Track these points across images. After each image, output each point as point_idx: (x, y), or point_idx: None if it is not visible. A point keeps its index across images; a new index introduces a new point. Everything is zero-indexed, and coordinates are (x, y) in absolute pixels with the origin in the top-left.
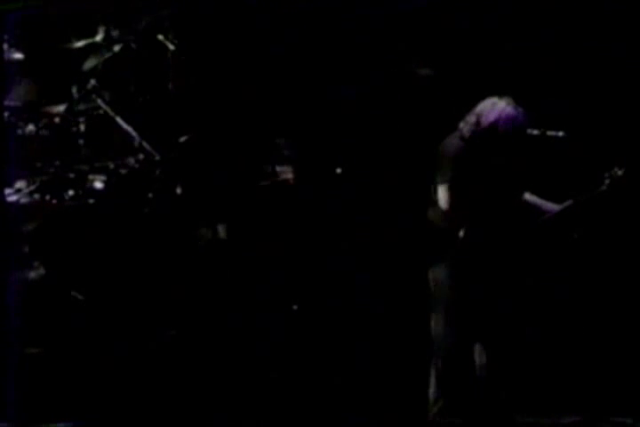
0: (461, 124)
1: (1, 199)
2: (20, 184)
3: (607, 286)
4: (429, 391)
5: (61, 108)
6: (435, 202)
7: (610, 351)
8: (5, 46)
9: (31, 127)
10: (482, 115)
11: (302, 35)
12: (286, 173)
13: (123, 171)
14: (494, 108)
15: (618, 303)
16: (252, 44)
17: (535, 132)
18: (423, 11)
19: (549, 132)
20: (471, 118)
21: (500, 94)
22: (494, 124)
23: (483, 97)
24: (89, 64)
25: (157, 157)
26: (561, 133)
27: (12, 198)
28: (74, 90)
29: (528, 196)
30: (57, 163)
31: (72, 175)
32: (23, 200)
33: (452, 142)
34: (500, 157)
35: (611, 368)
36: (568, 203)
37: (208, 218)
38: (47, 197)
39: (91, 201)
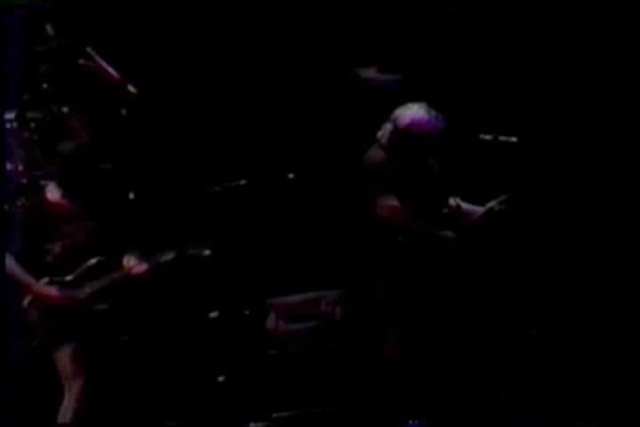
0: (379, 134)
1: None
2: None
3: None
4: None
5: (12, 114)
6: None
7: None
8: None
9: None
10: (396, 120)
11: (266, 38)
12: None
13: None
14: (407, 112)
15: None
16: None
17: (488, 137)
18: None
19: (502, 138)
20: (387, 126)
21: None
22: (408, 128)
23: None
24: (43, 68)
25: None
26: (514, 139)
27: None
28: (26, 95)
29: (452, 200)
30: (9, 168)
31: (24, 181)
32: None
33: (374, 153)
34: (420, 160)
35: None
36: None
37: None
38: None
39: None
